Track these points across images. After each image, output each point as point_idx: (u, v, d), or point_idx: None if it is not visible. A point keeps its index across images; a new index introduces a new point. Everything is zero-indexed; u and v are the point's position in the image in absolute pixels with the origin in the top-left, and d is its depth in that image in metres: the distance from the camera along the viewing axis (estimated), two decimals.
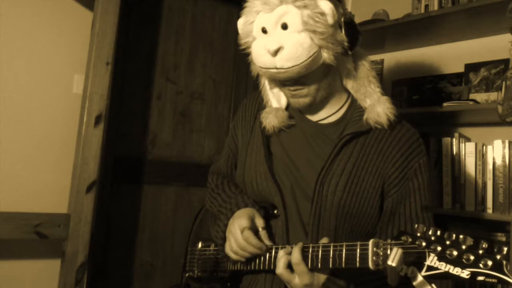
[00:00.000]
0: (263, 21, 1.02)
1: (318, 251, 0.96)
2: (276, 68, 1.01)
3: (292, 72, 1.01)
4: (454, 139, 1.91)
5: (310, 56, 1.00)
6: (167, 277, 2.45)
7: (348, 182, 1.06)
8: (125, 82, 2.36)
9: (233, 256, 1.10)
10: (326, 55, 1.02)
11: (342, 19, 1.05)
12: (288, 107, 1.20)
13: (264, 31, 1.02)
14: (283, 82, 1.08)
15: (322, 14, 0.99)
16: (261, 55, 1.02)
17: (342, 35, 1.04)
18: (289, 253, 0.98)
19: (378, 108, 1.07)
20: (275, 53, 0.99)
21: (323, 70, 1.06)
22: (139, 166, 2.41)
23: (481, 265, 0.72)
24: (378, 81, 1.15)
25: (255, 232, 1.08)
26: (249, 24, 1.05)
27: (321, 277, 0.96)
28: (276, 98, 1.20)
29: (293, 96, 1.10)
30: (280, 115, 1.16)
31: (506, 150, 1.77)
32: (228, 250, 1.11)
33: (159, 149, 2.47)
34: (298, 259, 0.95)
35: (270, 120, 1.16)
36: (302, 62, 0.99)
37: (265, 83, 1.21)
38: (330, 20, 1.00)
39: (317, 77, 1.07)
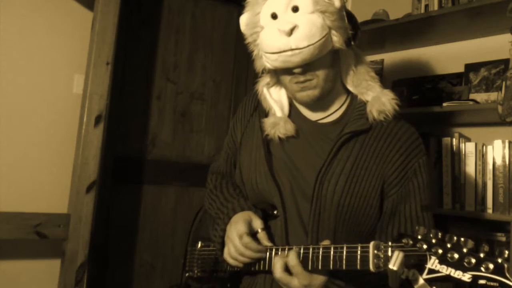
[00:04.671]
0: (273, 6, 1.03)
1: (318, 252, 0.96)
2: (291, 50, 1.00)
3: (307, 53, 1.00)
4: (454, 139, 1.91)
5: (323, 37, 1.01)
6: (167, 277, 2.45)
7: (347, 181, 1.06)
8: (125, 82, 2.36)
9: (232, 262, 1.10)
10: (336, 39, 1.04)
11: (344, 10, 1.07)
12: (290, 114, 1.19)
13: (273, 16, 1.03)
14: (293, 69, 1.06)
15: None
16: (275, 39, 1.01)
17: (346, 23, 1.07)
18: (285, 257, 0.98)
19: (383, 98, 1.08)
20: (290, 32, 0.99)
21: (330, 58, 1.08)
22: (139, 166, 2.41)
23: (482, 269, 0.72)
24: (378, 79, 1.16)
25: (254, 235, 1.08)
26: (255, 15, 1.06)
27: (320, 277, 0.96)
28: (278, 106, 1.19)
29: (302, 89, 1.09)
30: (289, 129, 1.15)
31: (506, 150, 1.77)
32: (226, 256, 1.10)
33: (159, 149, 2.47)
34: (294, 261, 0.96)
35: (277, 131, 1.15)
36: (317, 42, 1.00)
37: (264, 91, 1.21)
38: (337, 3, 1.02)
39: (326, 65, 1.07)
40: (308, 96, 1.10)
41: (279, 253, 1.02)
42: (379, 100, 1.08)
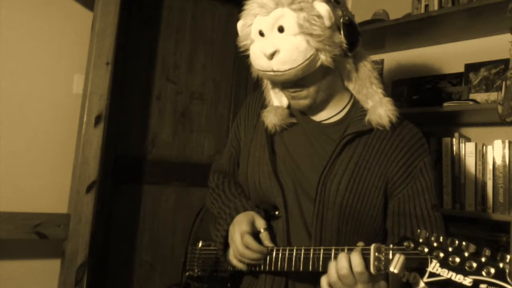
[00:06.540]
0: (260, 24, 1.02)
1: (319, 253, 0.95)
2: (273, 71, 1.01)
3: (289, 75, 1.01)
4: (454, 139, 1.91)
5: (307, 59, 1.00)
6: (167, 277, 2.45)
7: (350, 181, 1.06)
8: (125, 82, 2.36)
9: (235, 263, 1.09)
10: (323, 58, 1.02)
11: (341, 21, 1.05)
12: (293, 112, 1.20)
13: (261, 34, 1.03)
14: (282, 84, 1.09)
15: (319, 16, 0.99)
16: (258, 58, 1.02)
17: (340, 37, 1.04)
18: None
19: (380, 110, 1.07)
20: (271, 56, 0.99)
21: (322, 72, 1.06)
22: (139, 166, 2.41)
23: (483, 273, 0.72)
24: (380, 82, 1.15)
25: (256, 235, 1.08)
26: (247, 27, 1.06)
27: (382, 283, 0.92)
28: (277, 98, 1.20)
29: (293, 98, 1.11)
30: (280, 113, 1.16)
31: (506, 150, 1.77)
32: (231, 258, 1.11)
33: (159, 149, 2.47)
34: (362, 268, 0.87)
35: (271, 118, 1.16)
36: (299, 65, 1.00)
37: (267, 83, 1.21)
38: (327, 22, 1.00)
39: (316, 79, 1.07)
40: (299, 105, 1.12)
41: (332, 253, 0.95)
42: (376, 112, 1.07)
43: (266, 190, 1.14)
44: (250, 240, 1.05)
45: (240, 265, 1.09)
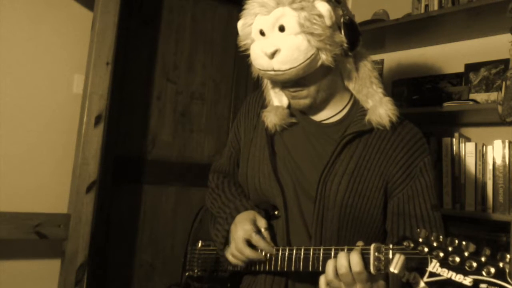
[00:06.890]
0: (261, 24, 1.02)
1: (319, 253, 0.95)
2: (274, 71, 1.01)
3: (290, 74, 1.01)
4: (454, 139, 1.91)
5: (308, 59, 1.00)
6: (167, 277, 2.45)
7: (350, 181, 1.06)
8: (125, 82, 2.36)
9: (231, 259, 1.10)
10: (324, 57, 1.02)
11: (342, 20, 1.05)
12: (293, 112, 1.20)
13: (262, 33, 1.03)
14: (282, 83, 1.08)
15: (320, 16, 0.99)
16: (258, 57, 1.02)
17: (341, 36, 1.04)
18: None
19: (380, 109, 1.07)
20: (272, 55, 0.99)
21: (322, 71, 1.06)
22: (139, 166, 2.41)
23: (483, 273, 0.71)
24: (380, 81, 1.15)
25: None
26: (247, 26, 1.06)
27: (381, 283, 0.93)
28: (277, 98, 1.20)
29: (293, 97, 1.11)
30: (281, 113, 1.16)
31: (506, 150, 1.77)
32: (228, 255, 1.11)
33: (159, 149, 2.47)
34: (361, 267, 0.87)
35: (271, 118, 1.16)
36: (299, 65, 0.99)
37: (267, 83, 1.21)
38: (327, 21, 1.00)
39: (317, 78, 1.07)
40: (299, 105, 1.12)
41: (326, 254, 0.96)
42: (376, 112, 1.08)
43: (266, 190, 1.14)
44: (258, 239, 1.05)
45: (236, 262, 1.09)
